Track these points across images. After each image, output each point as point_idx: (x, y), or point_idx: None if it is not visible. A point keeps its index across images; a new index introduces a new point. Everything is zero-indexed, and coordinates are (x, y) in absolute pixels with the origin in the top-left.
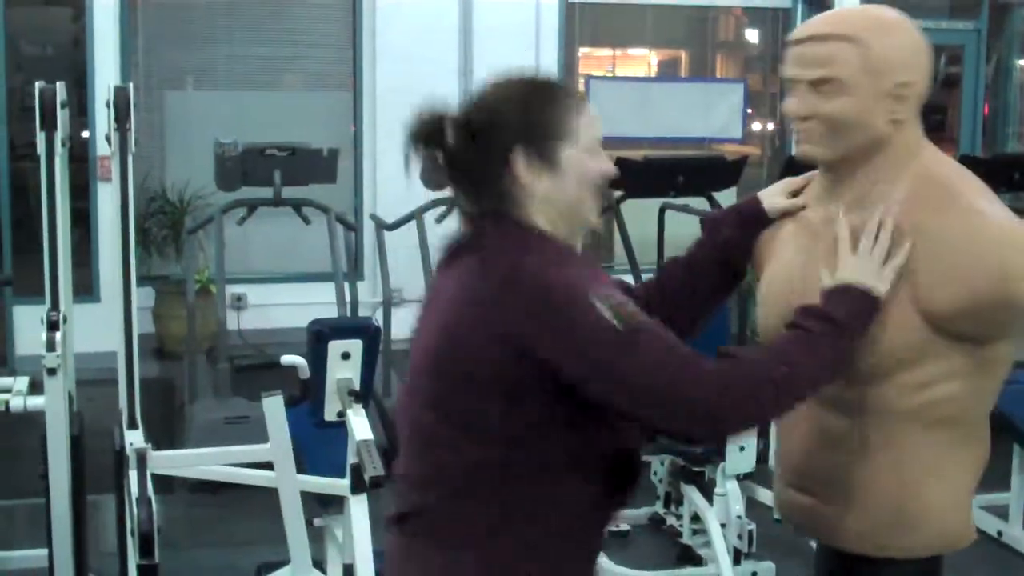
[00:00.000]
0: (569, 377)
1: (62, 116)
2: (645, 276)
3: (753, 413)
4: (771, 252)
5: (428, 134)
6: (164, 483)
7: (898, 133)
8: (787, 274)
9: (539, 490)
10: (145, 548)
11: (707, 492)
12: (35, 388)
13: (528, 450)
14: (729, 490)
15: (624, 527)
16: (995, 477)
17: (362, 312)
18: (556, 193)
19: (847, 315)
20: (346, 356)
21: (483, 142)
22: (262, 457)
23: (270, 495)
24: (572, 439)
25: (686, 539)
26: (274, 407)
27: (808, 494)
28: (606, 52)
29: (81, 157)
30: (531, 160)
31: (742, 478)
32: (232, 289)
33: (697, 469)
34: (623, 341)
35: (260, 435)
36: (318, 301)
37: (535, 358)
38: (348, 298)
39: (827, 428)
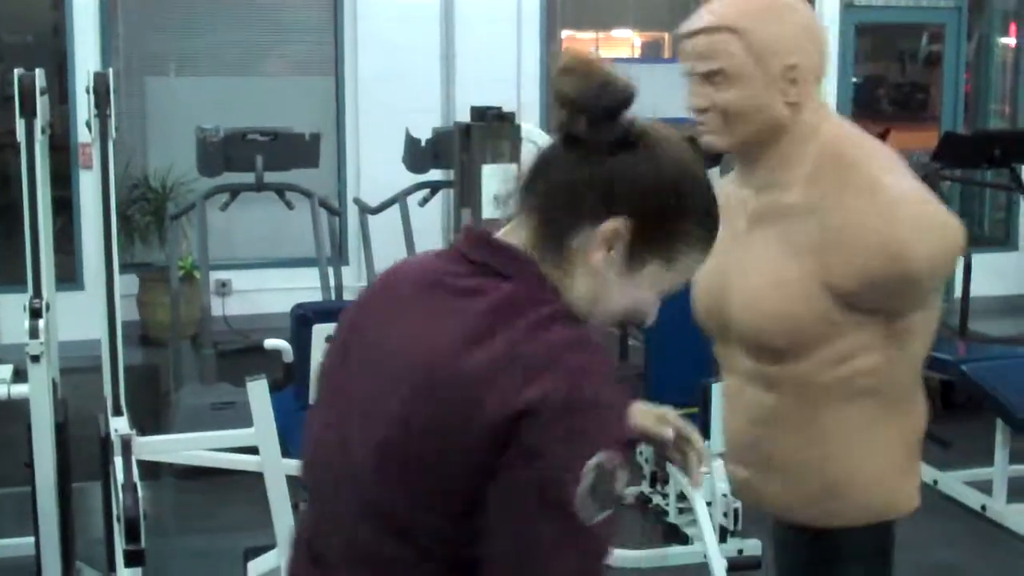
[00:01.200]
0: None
1: (42, 103)
2: None
3: None
4: None
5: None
6: (150, 469)
7: (797, 114)
8: (713, 257)
9: None
10: (131, 534)
11: None
12: (19, 376)
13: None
14: (714, 468)
15: None
16: (979, 452)
17: (347, 297)
18: (605, 289)
19: None
20: (330, 339)
21: (607, 186)
22: (247, 442)
23: (256, 479)
24: None
25: (672, 518)
26: (258, 391)
27: (744, 467)
28: (589, 34)
29: (62, 145)
30: (620, 240)
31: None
32: (216, 275)
33: None
34: (570, 522)
35: (246, 420)
36: (303, 286)
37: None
38: (333, 282)
39: (755, 403)
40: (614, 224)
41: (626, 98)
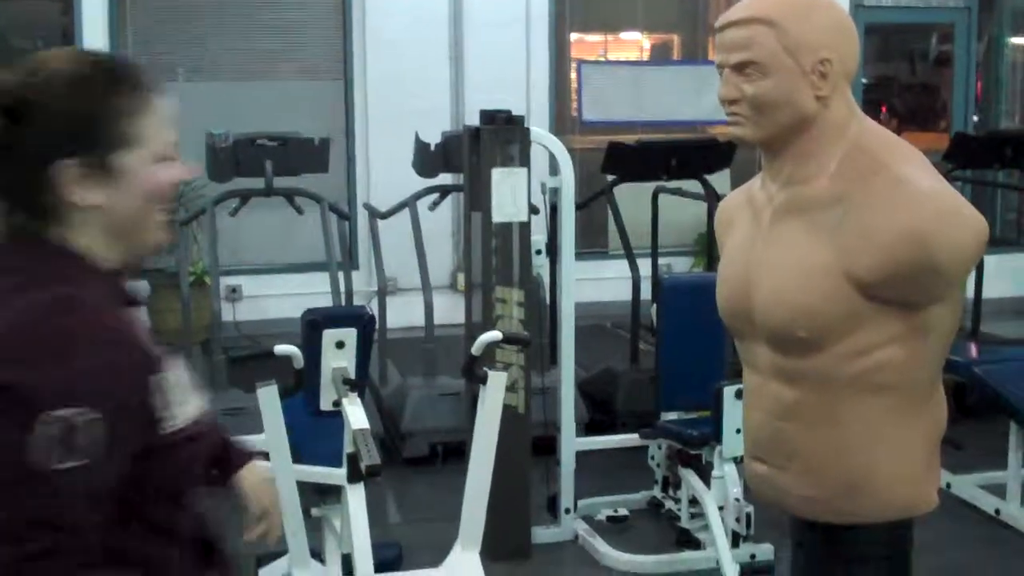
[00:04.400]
0: None
1: None
2: (640, 260)
3: None
4: (728, 232)
5: None
6: None
7: (825, 109)
8: (738, 253)
9: None
10: None
11: (704, 475)
12: None
13: None
14: (726, 472)
15: (623, 512)
16: (993, 456)
17: (357, 301)
18: (111, 210)
19: None
20: (340, 345)
21: (22, 148)
22: (258, 447)
23: None
24: None
25: (684, 523)
26: (269, 397)
27: (763, 463)
28: (597, 37)
29: None
30: (81, 173)
31: (739, 460)
32: (227, 280)
33: (694, 452)
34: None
35: (257, 426)
36: (313, 291)
37: None
38: (343, 287)
39: (776, 398)
40: (57, 168)
41: None
